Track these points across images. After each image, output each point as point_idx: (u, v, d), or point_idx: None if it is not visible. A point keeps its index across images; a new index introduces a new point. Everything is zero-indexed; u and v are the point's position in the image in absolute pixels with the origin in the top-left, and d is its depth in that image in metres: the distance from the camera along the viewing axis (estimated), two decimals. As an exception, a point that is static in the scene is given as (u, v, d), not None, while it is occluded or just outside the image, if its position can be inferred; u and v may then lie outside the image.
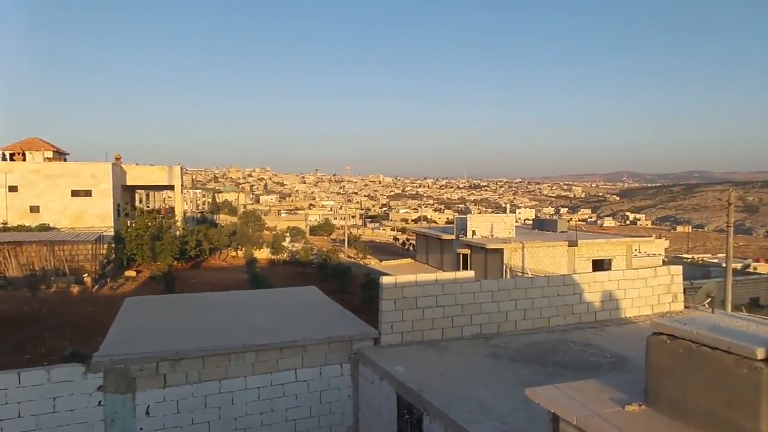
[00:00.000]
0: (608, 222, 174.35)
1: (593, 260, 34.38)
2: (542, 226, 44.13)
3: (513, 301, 10.51)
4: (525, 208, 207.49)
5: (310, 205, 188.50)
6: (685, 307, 12.17)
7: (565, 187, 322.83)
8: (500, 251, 33.39)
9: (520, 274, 32.25)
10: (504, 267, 33.26)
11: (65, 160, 42.44)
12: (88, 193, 36.75)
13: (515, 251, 33.32)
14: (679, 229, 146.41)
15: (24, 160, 39.24)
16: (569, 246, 34.20)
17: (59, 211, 35.89)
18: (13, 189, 35.24)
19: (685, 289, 12.60)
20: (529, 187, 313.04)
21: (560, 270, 32.60)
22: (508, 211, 59.13)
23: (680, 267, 12.29)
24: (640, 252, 42.21)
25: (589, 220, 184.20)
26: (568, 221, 48.65)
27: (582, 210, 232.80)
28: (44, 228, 33.74)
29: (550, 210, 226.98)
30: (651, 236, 52.90)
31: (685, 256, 58.43)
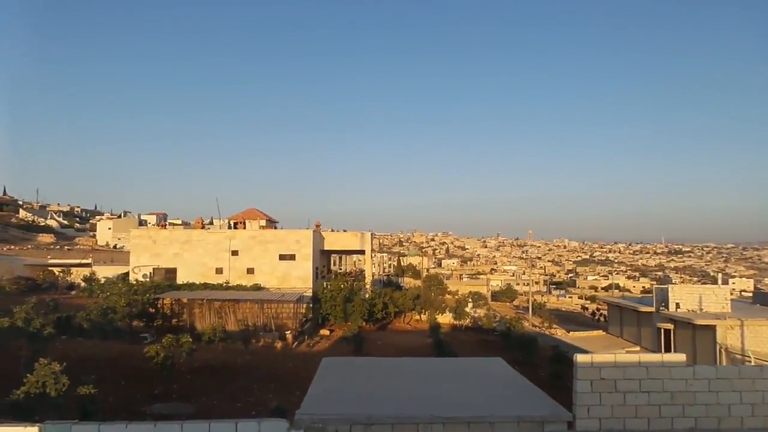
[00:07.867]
0: None
1: (841, 345, 28.29)
2: (765, 300, 38.03)
3: (737, 392, 9.05)
4: (740, 278, 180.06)
5: (492, 269, 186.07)
6: None
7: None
8: (712, 328, 29.28)
9: (738, 356, 27.77)
10: (717, 347, 28.98)
11: (275, 227, 48.25)
12: (292, 257, 41.05)
13: (731, 329, 28.93)
14: None
15: (244, 228, 45.71)
16: (805, 326, 28.71)
17: (269, 272, 40.52)
18: (234, 253, 40.88)
19: None
20: (744, 253, 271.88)
21: (794, 355, 27.39)
22: (719, 281, 51.90)
23: None
24: None
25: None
26: (801, 295, 41.02)
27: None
28: (257, 288, 38.29)
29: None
30: None
31: None
